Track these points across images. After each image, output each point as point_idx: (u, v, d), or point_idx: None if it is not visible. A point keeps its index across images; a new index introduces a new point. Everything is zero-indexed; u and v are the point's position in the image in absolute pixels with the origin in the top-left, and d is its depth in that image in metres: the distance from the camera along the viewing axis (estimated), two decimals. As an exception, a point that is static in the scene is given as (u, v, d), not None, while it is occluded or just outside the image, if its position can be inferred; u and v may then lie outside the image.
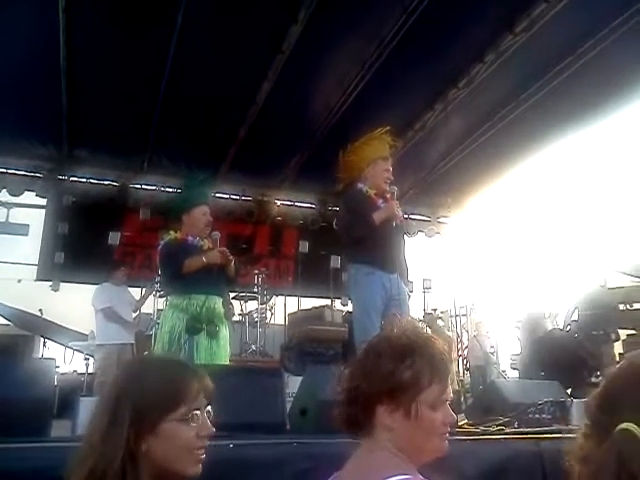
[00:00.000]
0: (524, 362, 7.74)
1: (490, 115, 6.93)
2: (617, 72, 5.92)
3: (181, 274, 3.99)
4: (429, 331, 6.48)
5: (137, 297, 7.06)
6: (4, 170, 7.59)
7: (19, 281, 7.95)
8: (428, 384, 1.31)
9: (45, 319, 7.39)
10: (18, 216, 7.92)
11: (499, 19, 5.58)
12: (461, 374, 9.05)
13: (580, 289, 7.24)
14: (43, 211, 8.10)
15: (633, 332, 6.86)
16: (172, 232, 4.29)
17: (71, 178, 7.98)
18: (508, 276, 9.64)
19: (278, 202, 9.02)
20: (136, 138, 7.27)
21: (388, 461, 1.28)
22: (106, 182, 8.15)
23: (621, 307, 7.05)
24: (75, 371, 7.09)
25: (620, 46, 5.46)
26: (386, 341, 1.39)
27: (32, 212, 8.16)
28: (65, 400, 3.74)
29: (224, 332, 4.15)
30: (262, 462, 2.32)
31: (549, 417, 3.42)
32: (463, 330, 9.88)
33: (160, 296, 6.68)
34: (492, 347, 9.46)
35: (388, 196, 4.39)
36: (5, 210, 7.81)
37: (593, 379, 5.87)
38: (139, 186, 8.26)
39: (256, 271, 7.70)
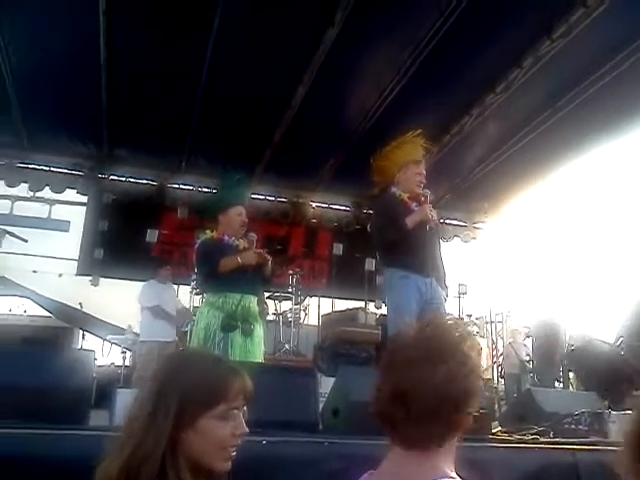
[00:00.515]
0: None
1: (527, 121, 6.83)
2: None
3: (217, 273, 4.03)
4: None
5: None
6: (46, 168, 7.79)
7: (60, 275, 8.17)
8: None
9: (84, 312, 7.57)
10: (60, 213, 8.13)
11: (537, 24, 5.48)
12: (495, 381, 8.94)
13: (626, 301, 7.05)
14: (84, 208, 8.28)
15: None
16: (208, 231, 4.35)
17: (111, 177, 8.16)
18: (544, 283, 9.47)
19: (313, 204, 9.06)
20: (174, 139, 7.39)
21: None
22: (145, 181, 8.30)
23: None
24: (113, 364, 7.22)
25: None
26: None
27: (73, 209, 8.36)
28: (103, 391, 3.82)
29: (259, 331, 4.19)
30: (294, 460, 2.34)
31: (586, 428, 3.34)
32: (498, 337, 9.75)
33: (196, 293, 6.77)
34: (528, 355, 9.30)
35: (422, 200, 4.37)
36: (47, 207, 8.02)
37: (634, 392, 5.72)
38: (177, 186, 8.39)
39: (290, 272, 7.74)
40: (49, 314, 7.57)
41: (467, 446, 2.26)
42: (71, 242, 8.20)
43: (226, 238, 4.28)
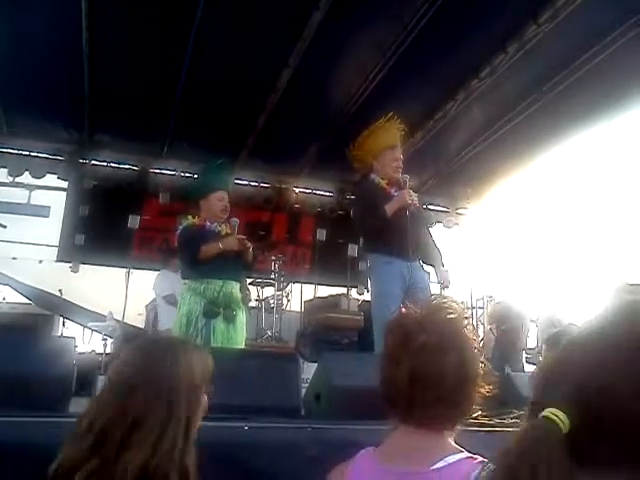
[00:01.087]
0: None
1: (512, 106, 6.85)
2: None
3: (198, 260, 4.02)
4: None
5: (154, 282, 7.07)
6: (27, 153, 7.69)
7: (40, 262, 8.08)
8: None
9: (65, 299, 7.50)
10: (40, 198, 8.03)
11: (523, 8, 5.49)
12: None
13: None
14: (64, 194, 8.20)
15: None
16: (190, 217, 4.32)
17: (92, 162, 8.06)
18: (527, 269, 9.56)
19: (296, 190, 9.04)
20: (156, 123, 7.31)
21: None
22: (126, 166, 8.22)
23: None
24: (93, 351, 7.17)
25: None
26: None
27: (53, 194, 8.27)
28: (84, 378, 3.80)
29: (241, 317, 4.19)
30: (276, 445, 2.34)
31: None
32: (479, 323, 9.83)
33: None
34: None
35: (402, 184, 4.36)
36: (27, 192, 7.92)
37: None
38: (159, 171, 8.33)
39: (273, 258, 7.75)
40: (28, 301, 7.48)
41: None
42: (51, 228, 8.12)
43: (208, 224, 4.25)
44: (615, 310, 0.71)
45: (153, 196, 8.30)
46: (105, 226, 7.88)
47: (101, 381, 3.16)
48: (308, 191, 9.18)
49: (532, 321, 8.44)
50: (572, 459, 0.63)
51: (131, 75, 6.27)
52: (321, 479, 1.45)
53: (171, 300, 6.56)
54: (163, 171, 8.34)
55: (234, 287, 4.16)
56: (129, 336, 6.51)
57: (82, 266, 8.00)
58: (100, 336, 7.08)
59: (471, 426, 2.71)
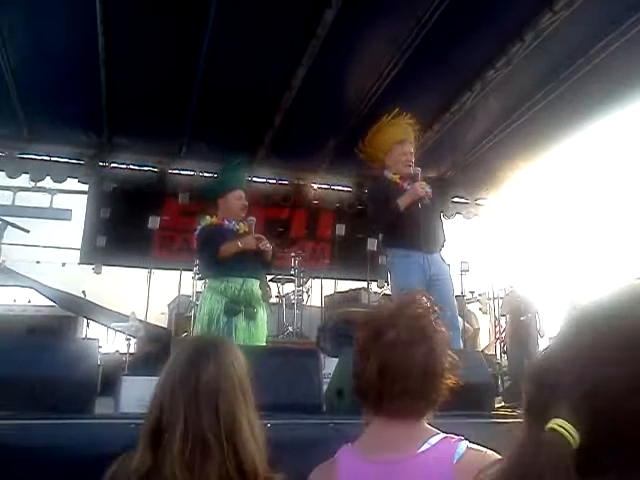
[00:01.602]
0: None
1: (529, 96, 6.76)
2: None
3: (217, 259, 4.05)
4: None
5: (175, 280, 7.15)
6: (47, 158, 7.77)
7: (63, 265, 8.21)
8: None
9: (88, 301, 7.61)
10: (62, 202, 8.14)
11: (538, -4, 5.43)
12: (498, 357, 8.97)
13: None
14: (85, 197, 8.29)
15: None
16: (208, 217, 4.36)
17: (112, 164, 8.12)
18: (548, 259, 9.47)
19: (315, 186, 9.03)
20: (174, 124, 7.35)
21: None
22: (145, 168, 8.27)
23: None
24: (117, 351, 7.28)
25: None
26: None
27: (75, 198, 8.38)
28: (108, 379, 3.86)
29: (262, 314, 4.22)
30: (299, 442, 2.36)
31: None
32: (501, 314, 9.76)
33: (199, 279, 6.79)
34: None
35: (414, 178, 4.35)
36: (49, 196, 8.03)
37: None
38: (177, 171, 8.36)
39: (293, 254, 7.76)
40: (53, 304, 7.61)
41: (468, 422, 2.28)
42: (73, 231, 8.23)
43: (226, 223, 4.29)
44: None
45: (172, 197, 8.33)
46: (126, 227, 7.95)
47: (125, 381, 3.20)
48: (326, 187, 9.15)
49: (549, 309, 8.38)
50: (579, 475, 0.60)
51: (147, 78, 6.32)
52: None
53: None
54: (182, 172, 8.36)
55: (254, 285, 4.19)
56: (152, 335, 6.59)
57: (104, 267, 8.10)
58: (124, 336, 7.19)
59: (491, 417, 2.71)
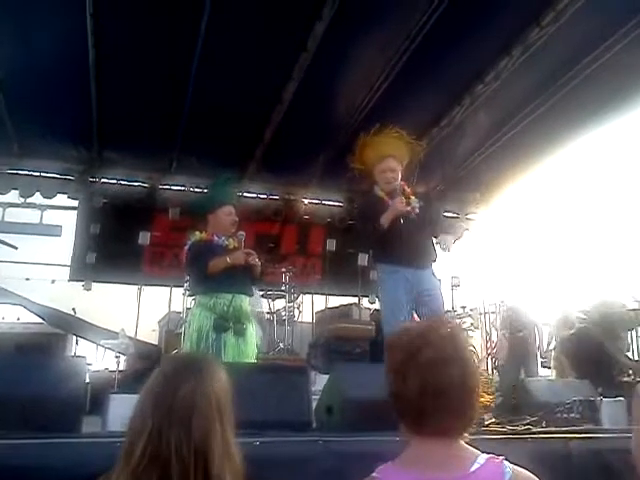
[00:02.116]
0: (558, 360, 7.69)
1: (518, 109, 6.84)
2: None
3: (206, 274, 4.04)
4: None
5: (165, 297, 7.11)
6: (37, 173, 7.75)
7: (53, 282, 8.15)
8: None
9: (77, 318, 7.54)
10: (51, 218, 8.09)
11: (525, 12, 5.49)
12: (489, 373, 8.94)
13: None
14: (75, 212, 8.26)
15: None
16: (198, 233, 4.35)
17: (102, 180, 8.10)
18: (538, 272, 9.49)
19: (305, 201, 9.04)
20: (164, 140, 7.36)
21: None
22: (136, 183, 8.26)
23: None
24: (107, 368, 7.20)
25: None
26: None
27: (65, 214, 8.33)
28: (96, 396, 3.82)
29: (251, 330, 4.20)
30: (288, 460, 2.34)
31: (578, 416, 3.36)
32: (492, 328, 9.75)
33: (189, 295, 6.75)
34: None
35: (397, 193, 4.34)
36: (39, 212, 7.99)
37: (625, 378, 5.75)
38: (168, 187, 8.35)
39: (283, 269, 7.74)
40: (42, 321, 7.53)
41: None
42: (63, 248, 8.17)
43: (216, 238, 4.28)
44: None
45: (163, 212, 8.32)
46: (116, 243, 7.92)
47: (113, 399, 3.17)
48: (317, 202, 9.16)
49: (545, 324, 8.36)
50: None
51: (138, 92, 6.32)
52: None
53: None
54: (172, 187, 8.35)
55: (243, 301, 4.17)
56: (142, 353, 6.54)
57: (94, 284, 8.04)
58: (113, 353, 7.12)
59: (482, 434, 2.70)
